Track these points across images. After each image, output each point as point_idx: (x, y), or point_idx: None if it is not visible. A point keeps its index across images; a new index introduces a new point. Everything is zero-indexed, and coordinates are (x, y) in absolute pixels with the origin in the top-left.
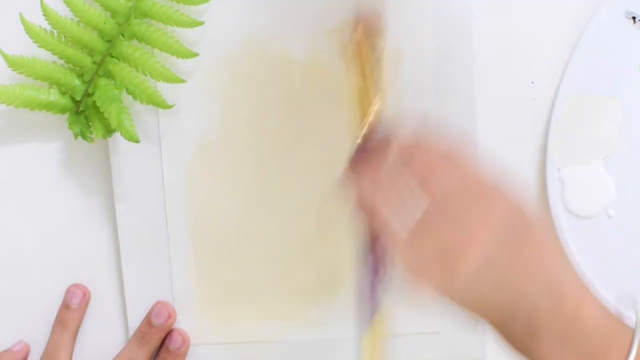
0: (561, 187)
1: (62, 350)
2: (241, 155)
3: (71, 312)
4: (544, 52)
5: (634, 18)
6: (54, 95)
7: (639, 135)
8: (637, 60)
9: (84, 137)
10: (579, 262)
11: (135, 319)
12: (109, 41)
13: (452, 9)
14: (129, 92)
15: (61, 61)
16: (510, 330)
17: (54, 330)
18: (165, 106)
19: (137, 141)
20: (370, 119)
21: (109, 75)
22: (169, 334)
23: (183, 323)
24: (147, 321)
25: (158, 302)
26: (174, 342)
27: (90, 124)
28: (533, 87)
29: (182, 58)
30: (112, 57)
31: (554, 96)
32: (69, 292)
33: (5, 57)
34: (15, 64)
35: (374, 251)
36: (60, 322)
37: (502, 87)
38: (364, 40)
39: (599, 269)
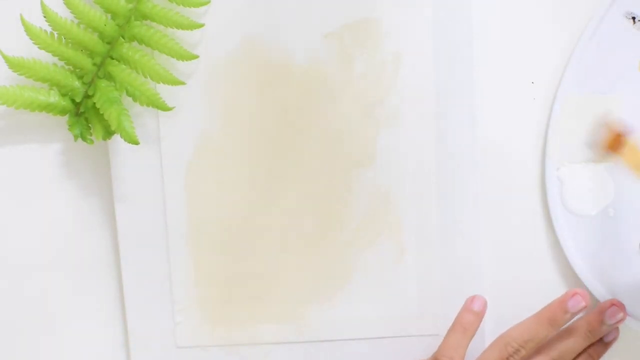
0: (560, 186)
1: (461, 350)
2: (240, 156)
3: (474, 316)
4: (544, 52)
5: (633, 18)
6: (54, 97)
7: (638, 135)
8: (636, 60)
9: (84, 138)
10: (577, 262)
11: (135, 320)
12: (109, 43)
13: (452, 9)
14: (129, 94)
15: (61, 63)
16: None
17: (455, 331)
18: (165, 108)
19: (136, 143)
20: None
21: (109, 77)
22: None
23: (182, 325)
24: (562, 306)
25: (575, 291)
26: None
27: (90, 125)
28: (533, 87)
29: (182, 60)
30: (112, 59)
31: (554, 96)
32: (471, 299)
33: (6, 58)
34: (15, 65)
35: None
36: (462, 324)
37: (502, 87)
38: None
39: (597, 268)
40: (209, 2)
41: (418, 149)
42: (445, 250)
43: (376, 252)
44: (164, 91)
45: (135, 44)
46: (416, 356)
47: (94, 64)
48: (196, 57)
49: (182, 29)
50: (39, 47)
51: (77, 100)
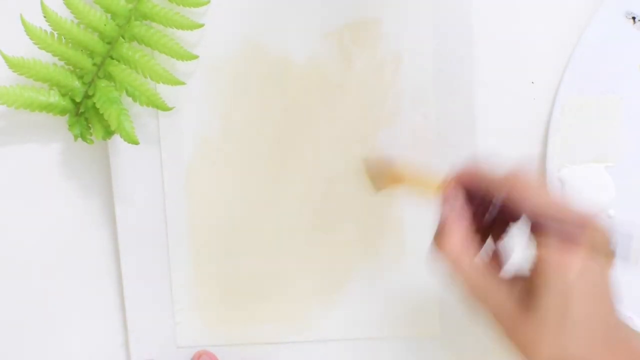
0: (561, 187)
1: None
2: (240, 157)
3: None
4: (544, 52)
5: (633, 18)
6: (54, 97)
7: (639, 135)
8: (637, 60)
9: (83, 138)
10: None
11: (135, 320)
12: (109, 43)
13: (452, 9)
14: (128, 94)
15: (61, 63)
16: None
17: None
18: (165, 108)
19: (136, 143)
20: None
21: (109, 77)
22: None
23: (182, 325)
24: None
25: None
26: None
27: (90, 125)
28: (533, 87)
29: (182, 60)
30: (112, 59)
31: (554, 96)
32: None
33: (6, 58)
34: (15, 65)
35: None
36: None
37: (502, 87)
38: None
39: None
40: (209, 2)
41: (418, 148)
42: None
43: (376, 252)
44: (164, 91)
45: (135, 44)
46: (416, 356)
47: (94, 64)
48: (196, 57)
49: (182, 29)
50: (39, 47)
51: (77, 100)
